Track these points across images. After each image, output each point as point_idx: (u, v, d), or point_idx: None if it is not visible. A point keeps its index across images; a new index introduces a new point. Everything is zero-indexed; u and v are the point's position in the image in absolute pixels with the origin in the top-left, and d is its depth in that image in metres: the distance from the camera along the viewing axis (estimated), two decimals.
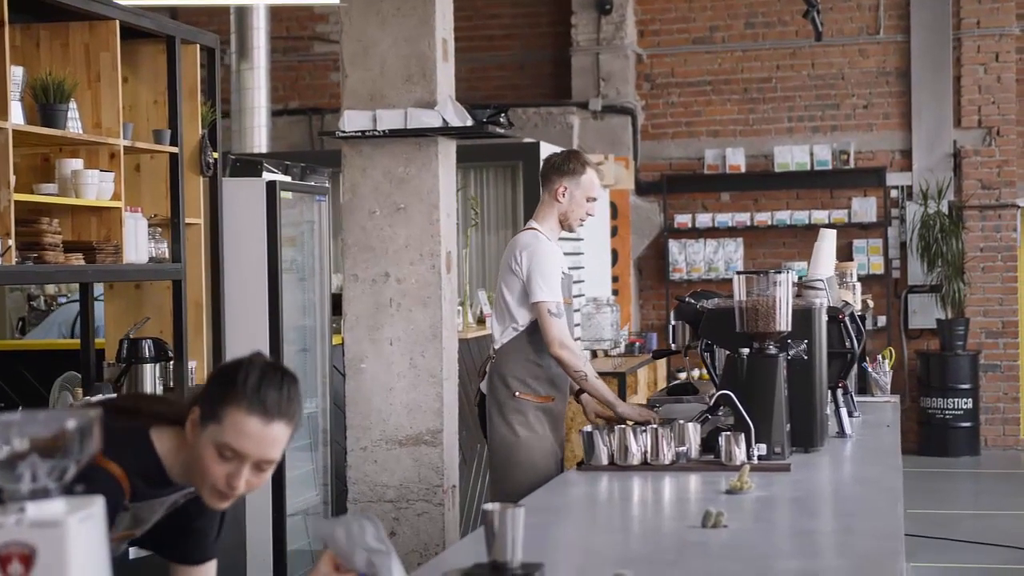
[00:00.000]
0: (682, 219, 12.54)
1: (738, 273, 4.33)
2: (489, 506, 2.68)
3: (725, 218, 12.46)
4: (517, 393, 5.03)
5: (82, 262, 4.81)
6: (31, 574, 1.65)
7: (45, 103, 4.65)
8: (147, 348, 5.25)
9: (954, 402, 11.82)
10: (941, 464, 11.58)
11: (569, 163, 5.13)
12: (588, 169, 5.12)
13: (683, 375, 9.90)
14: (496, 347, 5.14)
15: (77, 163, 4.86)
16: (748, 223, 12.39)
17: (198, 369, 5.67)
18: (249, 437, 2.49)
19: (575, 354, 4.98)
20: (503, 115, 5.64)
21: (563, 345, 4.93)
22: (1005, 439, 12.20)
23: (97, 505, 1.73)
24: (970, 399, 11.85)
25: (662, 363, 10.62)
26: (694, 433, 4.20)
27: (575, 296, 9.48)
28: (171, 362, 5.40)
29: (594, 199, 5.15)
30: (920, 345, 12.30)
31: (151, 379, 5.23)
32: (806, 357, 4.38)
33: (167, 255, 5.41)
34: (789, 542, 3.18)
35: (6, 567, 1.66)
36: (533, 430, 5.03)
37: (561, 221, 5.12)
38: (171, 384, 5.41)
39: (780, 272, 4.29)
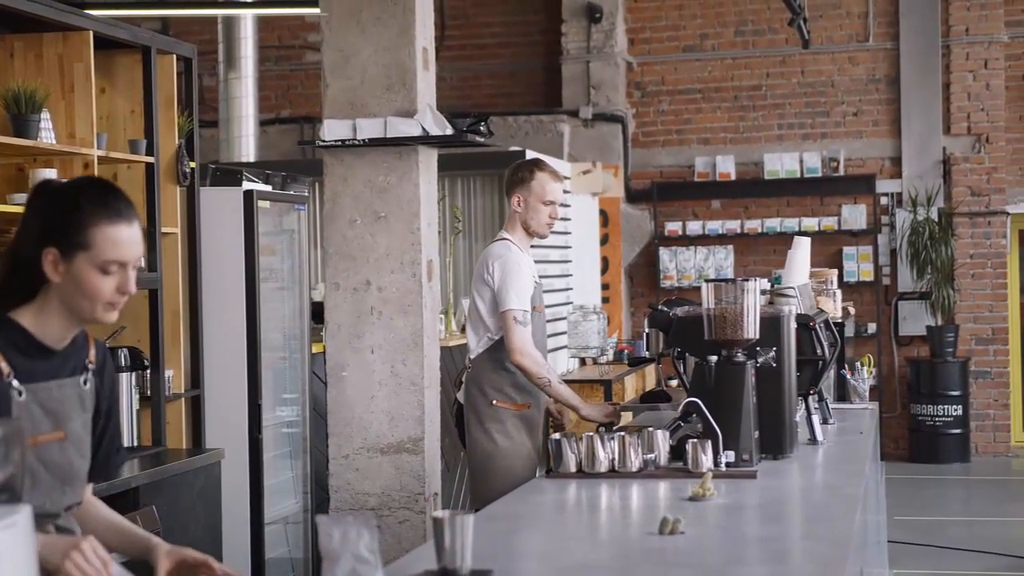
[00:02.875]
0: (673, 227, 12.55)
1: (707, 281, 4.34)
2: (438, 513, 2.71)
3: (715, 226, 12.47)
4: (494, 401, 5.09)
5: None
6: None
7: (17, 113, 4.67)
8: (123, 357, 5.26)
9: (944, 409, 11.83)
10: (931, 471, 11.58)
11: (518, 172, 5.23)
12: (538, 173, 5.18)
13: (674, 383, 9.90)
14: (471, 356, 5.20)
15: (51, 173, 4.88)
16: (738, 231, 12.41)
17: (175, 378, 5.69)
18: (123, 245, 2.64)
19: (536, 362, 5.02)
20: (483, 124, 5.65)
21: (523, 353, 4.98)
22: (995, 446, 12.20)
23: (23, 514, 1.75)
24: (960, 406, 11.85)
25: (651, 370, 10.63)
26: (663, 440, 4.21)
27: (560, 304, 9.56)
28: (147, 371, 5.41)
29: (551, 202, 5.19)
30: (910, 352, 12.31)
31: (127, 388, 5.24)
32: (775, 364, 4.39)
33: (143, 264, 5.43)
34: (742, 548, 3.18)
35: None
36: (511, 438, 5.07)
37: (525, 229, 5.18)
38: (148, 393, 5.43)
39: (748, 280, 4.30)
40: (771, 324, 4.40)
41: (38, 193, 2.70)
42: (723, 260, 12.47)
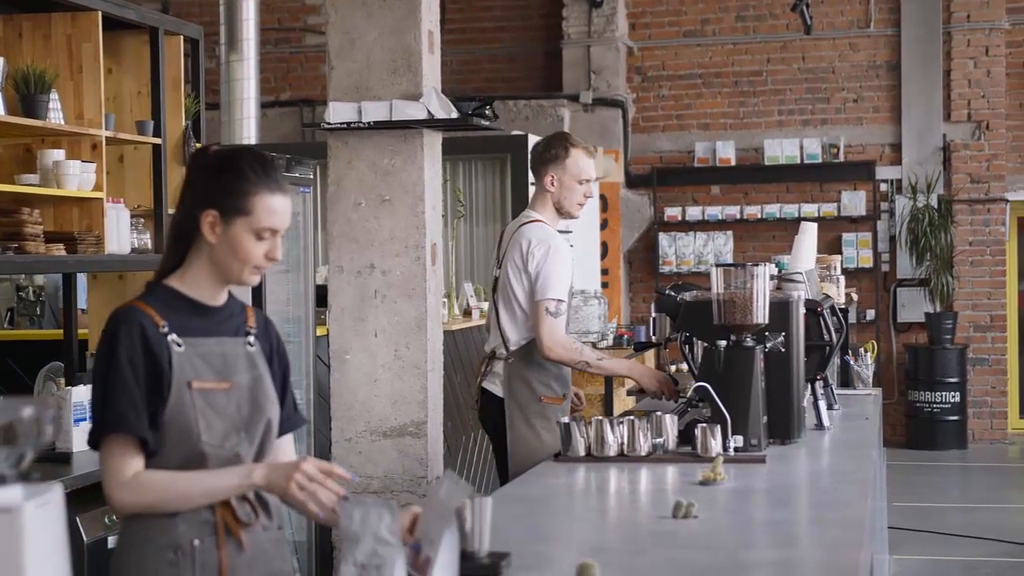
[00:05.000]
0: (672, 212, 12.56)
1: (716, 266, 4.34)
2: None
3: (715, 211, 12.48)
4: (543, 398, 4.94)
5: (63, 252, 4.83)
6: None
7: (26, 93, 4.66)
8: None
9: (942, 396, 11.85)
10: (928, 457, 11.61)
11: (551, 149, 5.02)
12: (572, 150, 5.00)
13: (673, 368, 9.90)
14: (511, 348, 4.99)
15: (59, 154, 4.87)
16: (738, 216, 12.42)
17: None
18: (279, 214, 2.78)
19: (567, 348, 4.85)
20: (488, 107, 5.64)
21: (554, 346, 4.81)
22: (992, 433, 12.23)
23: (56, 492, 1.75)
24: (958, 393, 11.88)
25: (652, 355, 10.65)
26: (671, 425, 4.21)
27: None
28: None
29: (586, 180, 5.03)
30: (908, 338, 12.33)
31: None
32: (783, 349, 4.40)
33: (150, 246, 5.43)
34: (755, 532, 3.20)
35: None
36: (554, 432, 4.98)
37: (557, 209, 5.04)
38: None
39: (758, 265, 4.30)
40: (780, 309, 4.41)
41: (199, 159, 2.84)
42: (722, 246, 12.48)
